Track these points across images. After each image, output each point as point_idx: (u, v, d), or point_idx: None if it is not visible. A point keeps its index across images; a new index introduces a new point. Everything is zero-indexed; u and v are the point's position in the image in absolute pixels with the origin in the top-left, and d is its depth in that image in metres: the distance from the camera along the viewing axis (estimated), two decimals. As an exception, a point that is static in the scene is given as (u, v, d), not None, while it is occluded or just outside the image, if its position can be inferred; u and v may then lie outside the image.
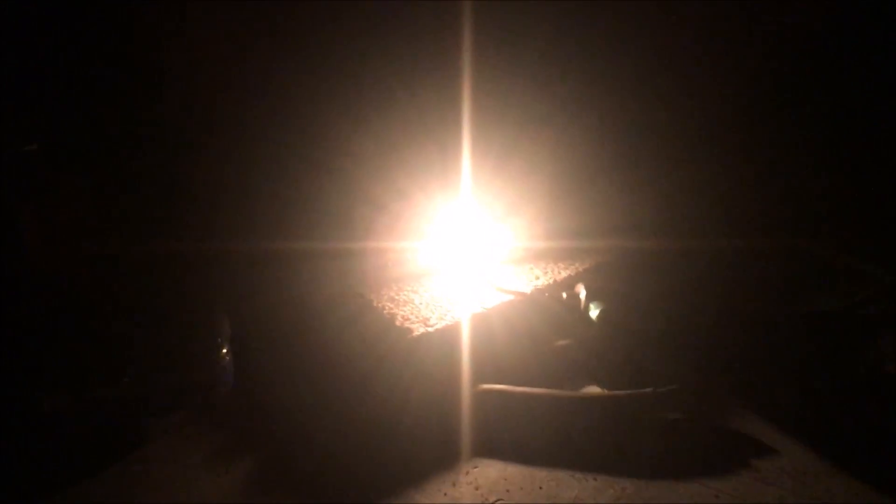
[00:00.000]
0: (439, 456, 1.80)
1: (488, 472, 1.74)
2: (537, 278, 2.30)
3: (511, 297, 2.18)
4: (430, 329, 2.01)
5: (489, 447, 1.82)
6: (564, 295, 2.19)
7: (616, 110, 2.40)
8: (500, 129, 2.25)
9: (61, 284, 1.93)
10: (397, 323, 2.05)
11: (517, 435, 1.85)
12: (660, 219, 2.57)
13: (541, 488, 1.68)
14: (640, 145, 2.49)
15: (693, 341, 2.10)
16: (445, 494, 1.68)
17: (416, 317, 2.08)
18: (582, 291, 2.18)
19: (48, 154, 2.10)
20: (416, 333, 2.00)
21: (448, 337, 2.04)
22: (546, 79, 2.27)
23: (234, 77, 2.21)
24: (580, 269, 2.35)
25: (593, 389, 2.01)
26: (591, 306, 2.14)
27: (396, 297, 2.20)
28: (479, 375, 1.99)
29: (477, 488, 1.69)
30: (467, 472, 1.75)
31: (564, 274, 2.32)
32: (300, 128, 2.24)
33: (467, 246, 2.37)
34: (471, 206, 2.30)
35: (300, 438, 1.91)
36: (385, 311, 2.12)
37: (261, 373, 2.06)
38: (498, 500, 1.64)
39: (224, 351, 1.92)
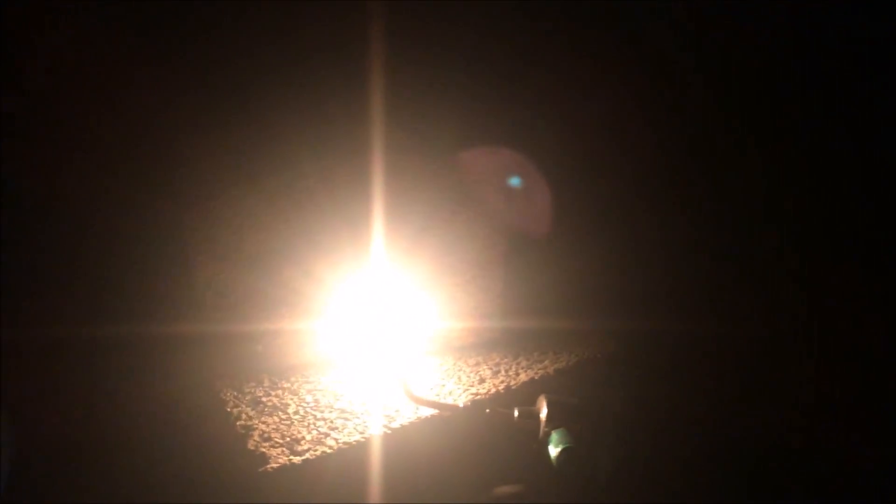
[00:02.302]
0: None
1: None
2: (482, 380, 1.56)
3: (434, 411, 1.44)
4: (295, 460, 1.29)
5: None
6: (517, 413, 1.44)
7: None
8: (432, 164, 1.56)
9: None
10: (249, 445, 1.33)
11: None
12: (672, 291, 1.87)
13: None
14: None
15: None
16: None
17: (283, 435, 1.35)
18: (543, 409, 1.43)
19: None
20: (272, 465, 1.27)
21: (322, 472, 1.30)
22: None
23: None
24: (550, 370, 1.61)
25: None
26: (553, 438, 1.38)
27: (263, 400, 1.48)
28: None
29: None
30: None
31: (524, 375, 1.58)
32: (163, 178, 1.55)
33: (385, 329, 1.64)
34: (392, 271, 1.58)
35: None
36: (239, 423, 1.39)
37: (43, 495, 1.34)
38: None
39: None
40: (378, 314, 1.61)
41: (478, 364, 1.64)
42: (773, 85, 1.84)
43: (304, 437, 1.35)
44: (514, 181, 1.73)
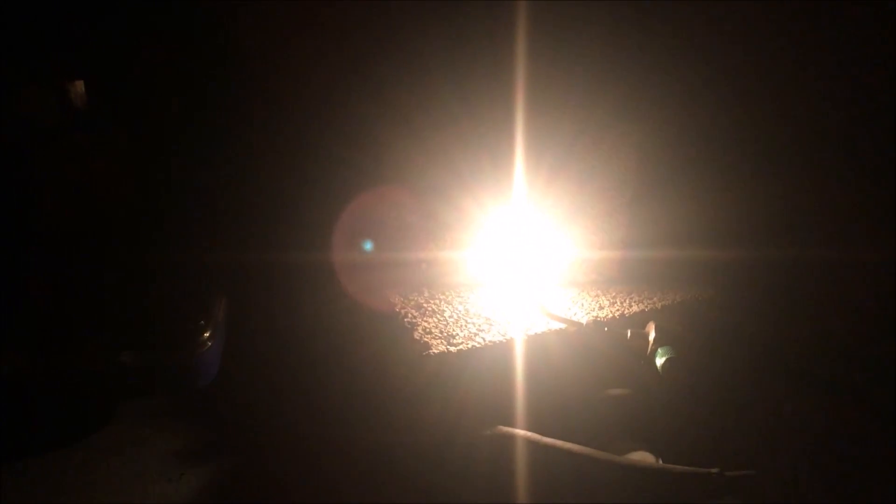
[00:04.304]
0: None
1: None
2: (601, 308, 1.88)
3: (562, 325, 1.77)
4: (451, 349, 1.65)
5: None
6: (629, 333, 1.75)
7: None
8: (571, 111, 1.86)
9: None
10: (415, 335, 1.71)
11: (534, 498, 1.45)
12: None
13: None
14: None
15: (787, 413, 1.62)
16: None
17: (440, 332, 1.72)
18: (652, 332, 1.73)
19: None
20: (433, 351, 1.65)
21: (472, 361, 1.66)
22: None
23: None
24: (658, 305, 1.91)
25: (643, 457, 1.57)
26: (659, 352, 1.69)
27: (424, 306, 1.85)
28: (501, 415, 1.60)
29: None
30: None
31: (636, 308, 1.88)
32: (340, 131, 1.97)
33: (524, 258, 1.98)
34: (530, 209, 1.91)
35: (278, 448, 1.62)
36: (406, 320, 1.78)
37: (252, 368, 1.78)
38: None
39: (207, 335, 1.65)
40: (517, 246, 1.96)
41: (597, 296, 1.95)
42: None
43: (457, 334, 1.71)
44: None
